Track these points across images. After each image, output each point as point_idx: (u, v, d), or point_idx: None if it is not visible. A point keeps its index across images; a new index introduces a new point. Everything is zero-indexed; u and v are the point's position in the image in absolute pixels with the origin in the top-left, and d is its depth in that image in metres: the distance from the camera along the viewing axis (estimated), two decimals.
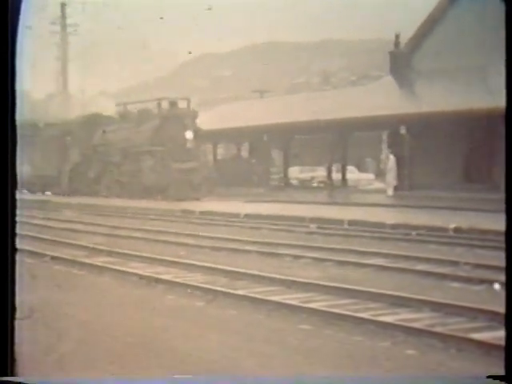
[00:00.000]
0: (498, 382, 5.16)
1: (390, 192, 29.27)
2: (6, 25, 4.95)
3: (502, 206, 17.59)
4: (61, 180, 38.35)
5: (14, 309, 5.03)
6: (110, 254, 13.56)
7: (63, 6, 45.78)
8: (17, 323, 5.06)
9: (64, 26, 45.84)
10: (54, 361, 6.28)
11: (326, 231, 17.06)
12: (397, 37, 34.72)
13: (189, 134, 32.16)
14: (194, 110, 34.14)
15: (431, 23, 32.14)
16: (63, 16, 45.72)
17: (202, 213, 23.05)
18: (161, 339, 7.18)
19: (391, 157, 29.96)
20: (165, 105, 34.78)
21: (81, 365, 6.31)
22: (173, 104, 33.91)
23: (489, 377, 5.33)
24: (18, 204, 5.07)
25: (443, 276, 10.45)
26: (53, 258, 13.01)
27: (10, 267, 5.01)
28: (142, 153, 32.73)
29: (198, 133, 32.64)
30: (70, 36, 46.32)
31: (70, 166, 37.82)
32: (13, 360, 5.03)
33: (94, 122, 37.22)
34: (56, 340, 6.98)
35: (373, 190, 36.05)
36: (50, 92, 51.06)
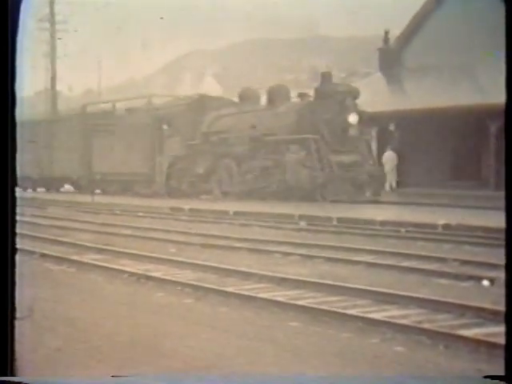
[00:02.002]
0: (497, 381, 5.18)
1: (390, 187, 28.91)
2: (6, 25, 4.95)
3: (491, 203, 17.72)
4: (155, 177, 30.99)
5: (13, 309, 5.04)
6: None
7: (52, 3, 45.55)
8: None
9: (53, 24, 45.63)
10: (41, 359, 6.27)
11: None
12: (386, 33, 34.77)
13: (353, 118, 24.68)
14: (354, 86, 26.40)
15: (421, 20, 32.22)
16: (52, 13, 45.51)
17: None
18: (150, 337, 7.17)
19: (390, 152, 29.17)
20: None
21: (68, 363, 6.30)
22: (326, 77, 25.98)
23: (488, 377, 5.36)
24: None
25: (432, 272, 10.48)
26: None
27: (10, 267, 5.02)
28: (284, 142, 25.05)
29: (362, 116, 25.07)
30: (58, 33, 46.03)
31: (168, 160, 30.19)
32: (13, 360, 5.04)
33: (201, 105, 29.62)
34: (43, 338, 6.97)
35: None
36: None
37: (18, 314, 5.16)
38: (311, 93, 26.27)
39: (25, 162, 38.12)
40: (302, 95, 26.20)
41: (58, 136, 38.20)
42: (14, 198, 5.04)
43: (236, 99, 30.29)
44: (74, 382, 5.89)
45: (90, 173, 35.37)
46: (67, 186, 39.60)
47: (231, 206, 22.05)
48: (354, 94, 25.17)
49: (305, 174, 24.13)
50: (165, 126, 30.39)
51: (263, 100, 28.78)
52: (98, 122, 34.98)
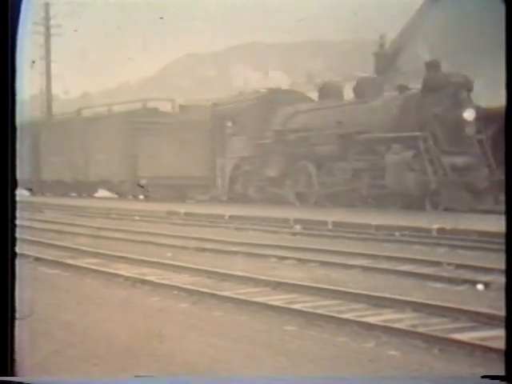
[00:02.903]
0: (496, 382, 5.20)
1: None
2: (6, 25, 4.94)
3: (482, 206, 17.38)
4: (216, 181, 27.36)
5: (13, 309, 5.05)
6: None
7: (47, 6, 45.52)
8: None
9: (48, 27, 45.60)
10: (36, 362, 6.27)
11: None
12: (381, 37, 34.73)
13: (469, 114, 21.04)
14: (468, 77, 21.66)
15: (417, 22, 32.19)
16: (47, 17, 45.47)
17: None
18: (145, 340, 7.17)
19: None
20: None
21: (63, 366, 6.30)
22: (435, 66, 22.00)
23: (487, 377, 5.37)
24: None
25: (427, 276, 10.49)
26: None
27: (10, 269, 5.03)
28: (383, 140, 21.32)
29: (478, 113, 21.32)
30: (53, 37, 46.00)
31: (232, 162, 26.55)
32: (13, 360, 5.05)
33: (271, 99, 25.99)
34: (38, 341, 6.96)
35: None
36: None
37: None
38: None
39: (56, 164, 36.63)
40: (401, 88, 22.38)
41: (93, 136, 34.79)
42: (13, 202, 5.04)
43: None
44: (74, 382, 5.90)
45: (135, 177, 31.95)
46: (102, 191, 36.27)
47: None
48: (468, 87, 21.48)
49: (411, 177, 20.44)
50: (229, 124, 26.68)
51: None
52: (144, 120, 31.86)
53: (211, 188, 27.72)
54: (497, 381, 5.22)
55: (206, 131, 27.69)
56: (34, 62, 43.33)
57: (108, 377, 5.99)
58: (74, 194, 37.43)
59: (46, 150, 37.94)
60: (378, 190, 21.42)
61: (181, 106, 31.88)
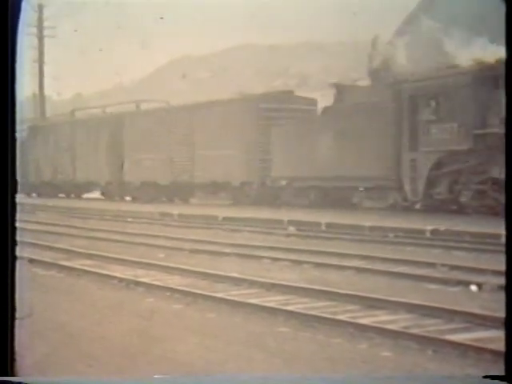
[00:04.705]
0: (497, 382, 5.21)
1: None
2: (6, 25, 4.93)
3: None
4: (402, 183, 20.96)
5: (13, 309, 5.05)
6: None
7: (41, 7, 45.43)
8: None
9: (41, 29, 45.55)
10: (30, 363, 6.27)
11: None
12: (375, 39, 34.71)
13: None
14: None
15: (414, 22, 32.19)
16: (40, 18, 45.41)
17: None
18: (139, 342, 7.18)
19: None
20: None
21: (58, 368, 6.30)
22: None
23: (488, 377, 5.38)
24: None
25: (421, 278, 10.51)
26: None
27: (10, 270, 5.04)
28: None
29: None
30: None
31: (432, 158, 20.08)
32: (13, 360, 5.05)
33: (495, 76, 17.93)
34: (32, 342, 6.96)
35: None
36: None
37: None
38: None
39: (146, 162, 30.96)
40: None
41: (199, 128, 28.37)
42: (14, 205, 5.03)
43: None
44: (74, 382, 5.90)
45: (265, 176, 25.77)
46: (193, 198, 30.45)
47: None
48: None
49: None
50: (432, 103, 20.22)
51: None
52: (277, 106, 26.10)
53: (391, 192, 21.70)
54: (497, 381, 5.24)
55: (378, 116, 21.82)
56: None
57: (103, 377, 5.99)
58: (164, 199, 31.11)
59: (130, 145, 32.29)
60: None
61: (336, 85, 24.89)
